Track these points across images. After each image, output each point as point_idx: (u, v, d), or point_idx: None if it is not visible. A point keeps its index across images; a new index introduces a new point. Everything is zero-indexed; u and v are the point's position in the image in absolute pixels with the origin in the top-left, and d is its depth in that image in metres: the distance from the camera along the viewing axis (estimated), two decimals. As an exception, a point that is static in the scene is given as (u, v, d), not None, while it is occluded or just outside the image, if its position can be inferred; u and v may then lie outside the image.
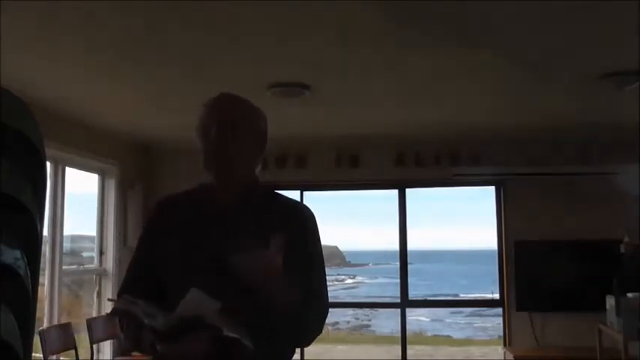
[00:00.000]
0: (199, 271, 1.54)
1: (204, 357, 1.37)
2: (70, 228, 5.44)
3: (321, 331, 1.64)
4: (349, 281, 29.64)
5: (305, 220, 1.70)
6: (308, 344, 1.70)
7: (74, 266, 5.78)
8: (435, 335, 15.33)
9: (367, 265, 36.97)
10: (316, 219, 1.73)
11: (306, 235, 1.67)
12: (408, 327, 6.53)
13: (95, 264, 5.90)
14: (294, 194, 6.47)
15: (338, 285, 26.06)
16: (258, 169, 1.74)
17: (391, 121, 5.47)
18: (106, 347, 5.73)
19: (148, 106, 4.89)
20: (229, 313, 1.38)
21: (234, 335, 1.33)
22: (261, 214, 1.65)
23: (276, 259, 1.46)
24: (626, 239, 5.37)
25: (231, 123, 1.64)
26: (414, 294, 6.70)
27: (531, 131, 5.70)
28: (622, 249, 5.36)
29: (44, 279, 5.02)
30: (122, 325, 1.56)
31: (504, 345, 6.12)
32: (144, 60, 3.72)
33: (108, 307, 5.48)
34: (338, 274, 30.20)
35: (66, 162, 5.30)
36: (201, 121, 1.66)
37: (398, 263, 6.50)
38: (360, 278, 30.96)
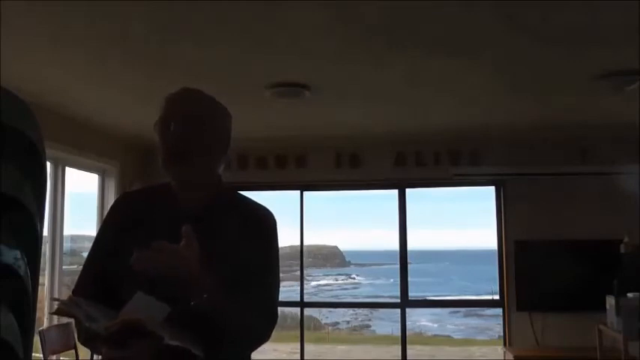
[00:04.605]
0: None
1: None
2: (70, 228, 5.45)
3: (268, 339, 1.53)
4: (349, 281, 29.63)
5: (261, 225, 1.61)
6: (251, 352, 1.58)
7: (74, 266, 5.78)
8: (435, 335, 15.32)
9: (367, 265, 36.95)
10: (276, 223, 1.63)
11: (261, 241, 1.58)
12: (408, 327, 6.53)
13: (95, 264, 5.90)
14: (294, 194, 6.49)
15: (338, 285, 26.09)
16: (220, 170, 1.63)
17: (391, 121, 5.47)
18: (106, 347, 5.72)
19: (148, 106, 4.86)
20: (177, 319, 1.31)
21: (176, 343, 1.26)
22: (223, 218, 1.56)
23: (181, 253, 1.34)
24: (626, 239, 5.37)
25: (194, 119, 1.53)
26: (413, 294, 6.70)
27: (531, 131, 5.70)
28: (622, 249, 5.36)
29: (44, 279, 5.02)
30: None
31: (504, 345, 6.12)
32: (144, 60, 3.73)
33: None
34: (338, 274, 30.19)
35: (66, 162, 5.30)
36: (161, 116, 1.54)
37: (398, 263, 6.50)
38: (360, 278, 30.94)
